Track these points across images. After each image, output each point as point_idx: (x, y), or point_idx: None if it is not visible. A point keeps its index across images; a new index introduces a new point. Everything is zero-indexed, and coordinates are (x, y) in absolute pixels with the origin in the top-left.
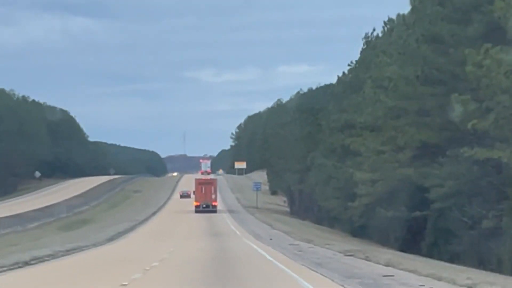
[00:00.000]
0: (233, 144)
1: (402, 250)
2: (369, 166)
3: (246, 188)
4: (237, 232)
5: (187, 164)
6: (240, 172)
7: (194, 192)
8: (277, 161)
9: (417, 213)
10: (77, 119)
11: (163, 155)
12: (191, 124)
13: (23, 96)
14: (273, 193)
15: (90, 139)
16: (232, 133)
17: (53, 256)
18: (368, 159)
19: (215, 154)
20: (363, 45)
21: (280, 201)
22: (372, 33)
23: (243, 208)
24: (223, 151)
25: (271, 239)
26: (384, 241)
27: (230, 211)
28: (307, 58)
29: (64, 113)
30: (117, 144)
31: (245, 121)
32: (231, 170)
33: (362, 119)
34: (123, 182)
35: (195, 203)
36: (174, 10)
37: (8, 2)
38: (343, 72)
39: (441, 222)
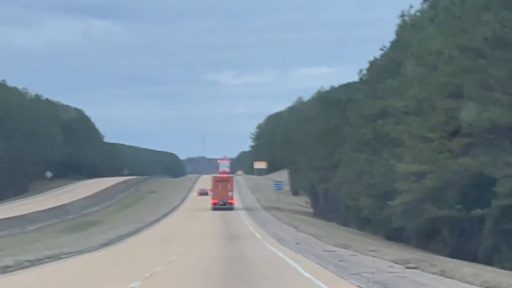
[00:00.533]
0: (252, 144)
1: (453, 255)
2: (412, 156)
3: (266, 189)
4: (257, 235)
5: (207, 166)
6: (260, 172)
7: (211, 190)
8: (300, 158)
9: (478, 211)
10: (97, 121)
11: (182, 157)
12: (210, 126)
13: (36, 95)
14: (295, 193)
15: (109, 141)
16: (252, 133)
17: (13, 268)
18: (412, 149)
19: (234, 156)
20: (399, 25)
21: (302, 202)
22: (409, 11)
23: (263, 209)
24: (242, 153)
25: (298, 243)
26: (424, 245)
27: (249, 212)
28: (326, 60)
29: (79, 112)
30: (136, 146)
31: (265, 120)
32: (250, 170)
33: (404, 103)
34: (138, 182)
35: (212, 201)
36: (193, 13)
37: (28, 5)
38: (374, 57)
39: (504, 222)
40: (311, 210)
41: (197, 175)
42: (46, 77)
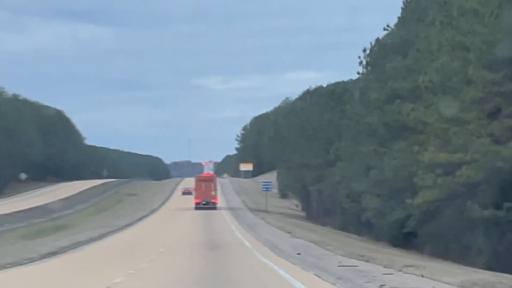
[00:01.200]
0: (238, 146)
1: (490, 268)
2: (439, 144)
3: (252, 191)
4: (246, 243)
5: (192, 170)
6: (246, 175)
7: (194, 189)
8: (291, 156)
9: None
10: (83, 126)
11: (167, 162)
12: (196, 130)
13: (14, 94)
14: (283, 196)
15: (95, 145)
16: (238, 135)
17: None
18: (440, 135)
19: (219, 160)
20: None
21: (291, 205)
22: None
23: (251, 212)
24: (227, 157)
25: (299, 254)
26: (443, 254)
27: (235, 214)
28: (314, 65)
29: (58, 112)
30: (120, 149)
31: (251, 122)
32: (236, 173)
33: (427, 78)
34: (117, 185)
35: (194, 200)
36: (182, 17)
37: (16, 9)
38: (378, 38)
39: None
40: (302, 213)
41: (180, 178)
42: (33, 81)
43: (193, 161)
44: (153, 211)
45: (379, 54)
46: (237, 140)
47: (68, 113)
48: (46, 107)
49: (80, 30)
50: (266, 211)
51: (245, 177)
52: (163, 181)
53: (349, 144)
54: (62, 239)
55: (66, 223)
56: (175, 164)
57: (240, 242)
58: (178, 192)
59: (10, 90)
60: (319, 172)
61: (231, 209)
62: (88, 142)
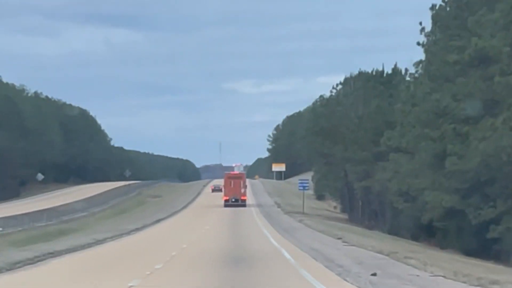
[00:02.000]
0: (270, 147)
1: None
2: None
3: (286, 192)
4: (286, 254)
5: (222, 173)
6: (279, 176)
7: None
8: (332, 149)
9: None
10: (115, 130)
11: (198, 165)
12: (228, 134)
13: (35, 92)
14: (320, 197)
15: (122, 146)
16: (269, 135)
17: None
18: None
19: (251, 163)
20: None
21: (329, 207)
22: None
23: (285, 214)
24: (258, 160)
25: (374, 274)
26: None
27: (268, 217)
28: (346, 69)
29: (82, 112)
30: (150, 152)
31: (283, 122)
32: (268, 175)
33: None
34: (141, 186)
35: (224, 197)
36: (215, 21)
37: (49, 14)
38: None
39: None
40: (342, 215)
41: (208, 180)
42: (65, 85)
43: (224, 164)
44: (174, 213)
45: (452, 12)
46: (268, 140)
47: (99, 117)
48: (70, 106)
49: (113, 35)
50: (302, 213)
51: (277, 179)
52: (191, 183)
53: (408, 131)
54: (43, 247)
55: (74, 226)
56: (206, 167)
57: (277, 253)
58: (204, 194)
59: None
60: (366, 167)
61: (262, 210)
62: (118, 145)
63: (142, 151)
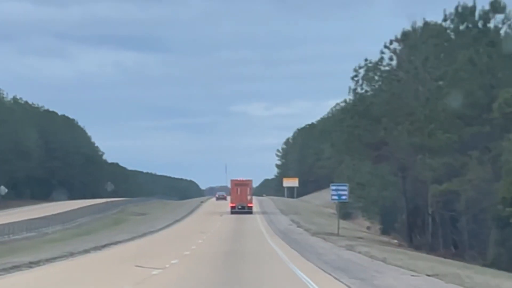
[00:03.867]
0: (279, 162)
1: None
2: None
3: (303, 210)
4: None
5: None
6: (290, 193)
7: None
8: (387, 134)
9: None
10: (122, 152)
11: (203, 187)
12: (235, 157)
13: (14, 97)
14: (345, 216)
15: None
16: (278, 150)
17: None
18: None
19: (257, 184)
20: None
21: (360, 227)
22: None
23: (313, 236)
24: (265, 180)
25: None
26: None
27: (292, 243)
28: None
29: (68, 121)
30: (153, 172)
31: (294, 135)
32: (277, 194)
33: None
34: (127, 203)
35: (230, 204)
36: (227, 44)
37: (61, 35)
38: None
39: None
40: (386, 238)
41: (209, 196)
42: (74, 107)
43: (230, 186)
44: (145, 234)
45: None
46: (277, 155)
47: (106, 139)
48: (53, 114)
49: (125, 57)
50: (337, 234)
51: (289, 196)
52: (188, 200)
53: None
54: None
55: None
56: (211, 189)
57: None
58: (200, 212)
59: None
60: (450, 160)
61: (280, 232)
62: (105, 157)
63: (144, 171)
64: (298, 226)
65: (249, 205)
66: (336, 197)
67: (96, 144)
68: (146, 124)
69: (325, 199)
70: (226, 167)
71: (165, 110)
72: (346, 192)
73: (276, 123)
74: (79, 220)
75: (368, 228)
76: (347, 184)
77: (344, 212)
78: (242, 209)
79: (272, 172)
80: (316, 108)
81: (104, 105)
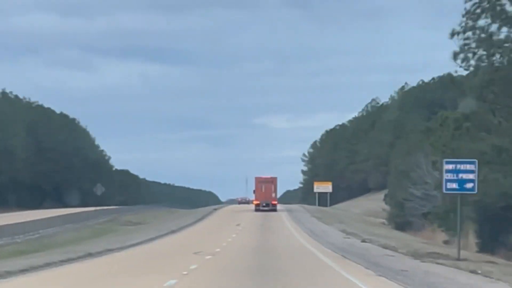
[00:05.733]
0: (305, 169)
1: None
2: None
3: (348, 219)
4: None
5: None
6: (323, 199)
7: (254, 191)
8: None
9: None
10: (144, 165)
11: (223, 199)
12: (256, 169)
13: (3, 91)
14: (400, 226)
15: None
16: (304, 154)
17: None
18: None
19: (279, 196)
20: None
21: (431, 240)
22: None
23: (415, 259)
24: (287, 192)
25: None
26: None
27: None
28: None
29: (67, 119)
30: (171, 183)
31: (322, 137)
32: (304, 201)
33: None
34: (122, 211)
35: (254, 202)
36: (252, 56)
37: (85, 48)
38: None
39: None
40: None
41: (220, 205)
42: (98, 120)
43: (250, 198)
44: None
45: None
46: (303, 160)
47: (127, 152)
48: (48, 110)
49: (149, 69)
50: (457, 258)
51: (321, 204)
52: (200, 209)
53: None
54: None
55: None
56: (231, 201)
57: None
58: (210, 219)
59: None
60: None
61: (341, 249)
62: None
63: (162, 182)
64: (362, 241)
65: (273, 202)
66: (455, 186)
67: (101, 148)
68: (168, 136)
69: (365, 207)
70: (246, 180)
71: (187, 122)
72: (473, 176)
73: (298, 136)
74: (44, 232)
75: (445, 242)
76: (475, 160)
77: (402, 221)
78: (267, 206)
79: (295, 184)
80: (339, 121)
81: (127, 117)
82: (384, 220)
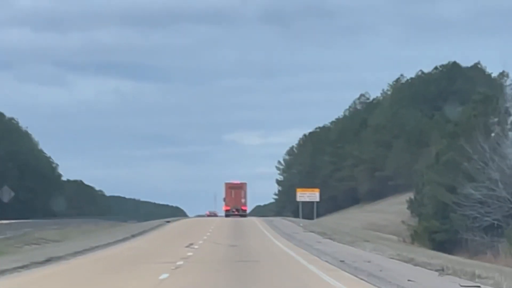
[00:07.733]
0: (280, 178)
1: None
2: None
3: (367, 235)
4: None
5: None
6: (309, 211)
7: (224, 198)
8: None
9: None
10: (110, 181)
11: (191, 214)
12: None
13: None
14: (442, 245)
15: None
16: (280, 162)
17: None
18: None
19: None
20: None
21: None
22: None
23: None
24: (257, 207)
25: None
26: None
27: None
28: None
29: (5, 122)
30: (136, 198)
31: (300, 142)
32: (279, 215)
33: None
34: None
35: (225, 208)
36: (227, 72)
37: (58, 63)
38: None
39: None
40: None
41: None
42: (68, 135)
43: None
44: None
45: None
46: (278, 169)
47: (98, 168)
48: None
49: (123, 85)
50: None
51: (305, 217)
52: (150, 222)
53: None
54: None
55: None
56: (198, 217)
57: None
58: (154, 236)
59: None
60: None
61: None
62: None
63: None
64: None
65: (243, 208)
66: None
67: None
68: (138, 153)
69: (362, 220)
70: (215, 196)
71: (158, 139)
72: None
73: (270, 152)
74: None
75: None
76: None
77: (444, 238)
78: (237, 212)
79: (267, 200)
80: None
81: (99, 133)
82: (389, 235)
